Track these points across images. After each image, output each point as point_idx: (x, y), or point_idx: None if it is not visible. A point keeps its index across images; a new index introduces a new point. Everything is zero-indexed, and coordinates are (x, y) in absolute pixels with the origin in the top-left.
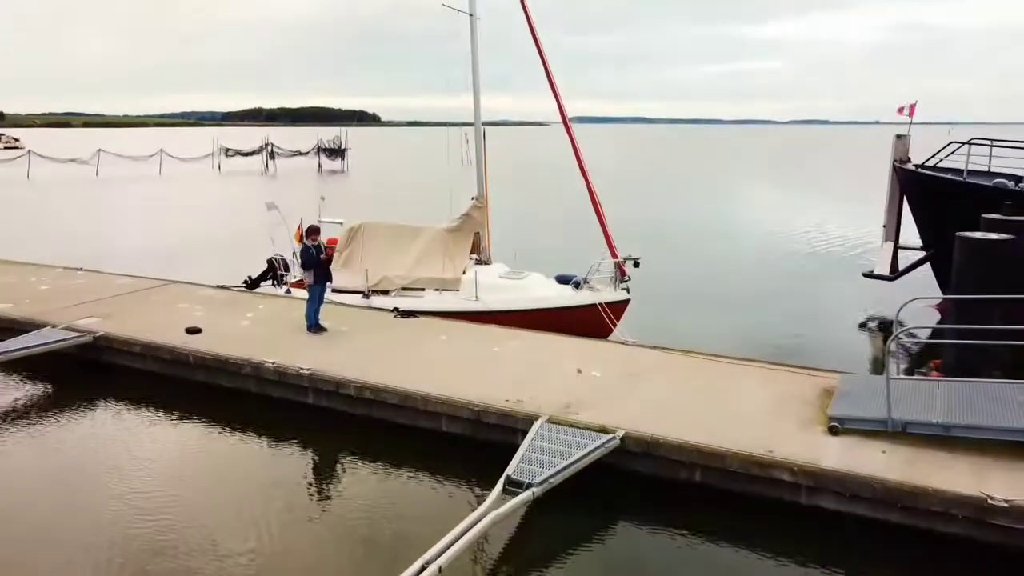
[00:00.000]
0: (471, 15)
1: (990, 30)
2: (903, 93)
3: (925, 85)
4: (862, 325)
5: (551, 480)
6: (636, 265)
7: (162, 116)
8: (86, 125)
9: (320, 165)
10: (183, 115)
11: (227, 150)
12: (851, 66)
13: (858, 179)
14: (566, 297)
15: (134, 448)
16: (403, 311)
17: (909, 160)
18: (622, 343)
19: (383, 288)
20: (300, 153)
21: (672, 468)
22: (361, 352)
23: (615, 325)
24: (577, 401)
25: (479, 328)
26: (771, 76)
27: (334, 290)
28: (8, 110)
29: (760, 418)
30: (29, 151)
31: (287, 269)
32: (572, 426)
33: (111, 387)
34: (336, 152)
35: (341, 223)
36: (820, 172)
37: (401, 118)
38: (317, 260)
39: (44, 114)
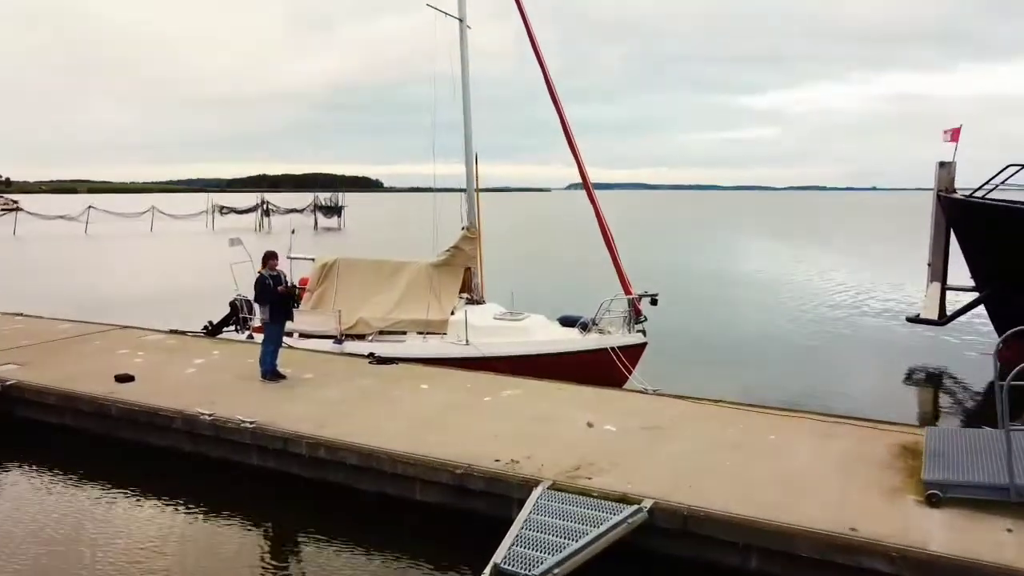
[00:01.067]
0: (460, 20)
1: (980, 99)
2: (897, 159)
3: (919, 152)
4: (911, 375)
5: (555, 571)
6: (654, 303)
7: (167, 183)
8: (91, 191)
9: (316, 223)
10: (188, 182)
11: (221, 208)
12: (846, 134)
13: (871, 236)
14: (572, 341)
15: (41, 521)
16: (379, 357)
17: (955, 190)
18: (641, 391)
19: (359, 331)
20: (296, 210)
21: (719, 551)
22: (323, 403)
23: (630, 372)
24: (589, 462)
25: (468, 375)
26: (768, 144)
27: (302, 335)
28: (18, 178)
29: (827, 484)
30: (17, 208)
31: (251, 312)
32: (583, 494)
33: (20, 445)
34: (333, 210)
35: (312, 259)
36: (830, 230)
37: (403, 184)
38: (273, 292)
39: (51, 181)
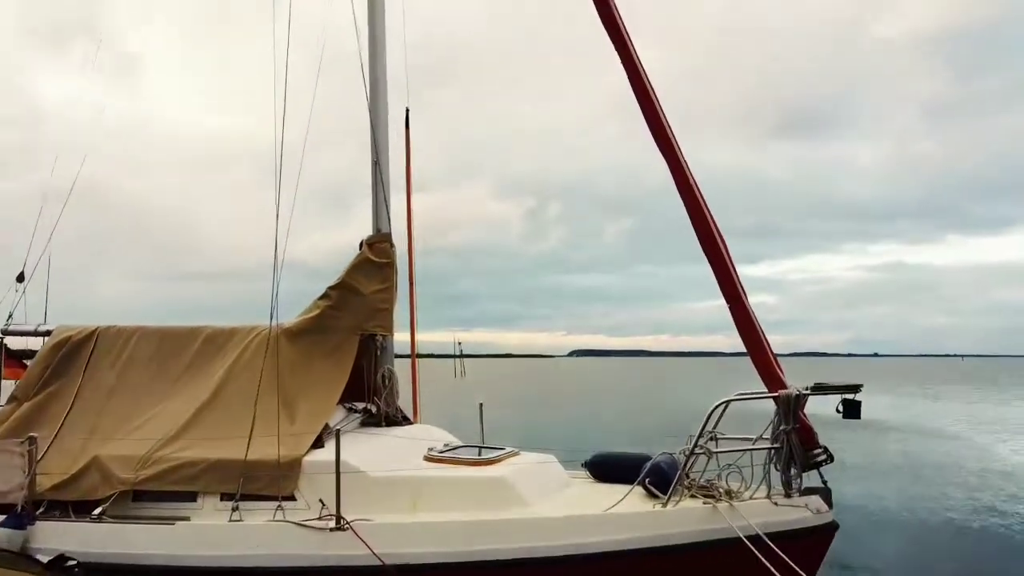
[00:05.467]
0: None
1: (969, 269)
2: (895, 327)
3: (916, 320)
4: None
5: None
6: (850, 410)
7: None
8: None
9: None
10: None
11: None
12: (843, 303)
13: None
14: (635, 519)
15: None
16: (75, 564)
17: None
18: None
19: (83, 494)
20: None
21: None
22: None
23: None
24: None
25: None
26: (767, 311)
27: None
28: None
29: None
30: None
31: None
32: None
33: None
34: None
35: (48, 332)
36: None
37: (403, 351)
38: None
39: None
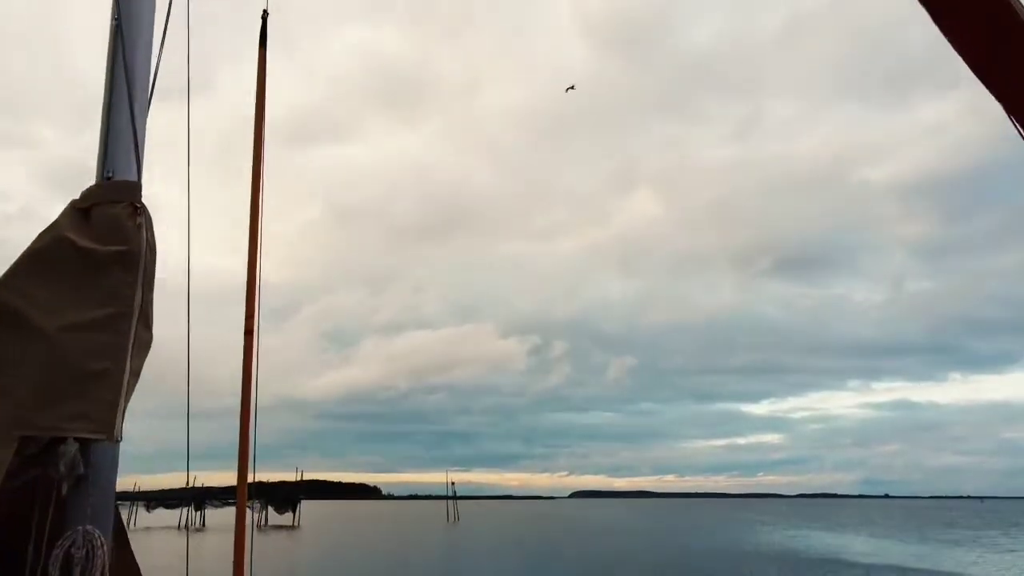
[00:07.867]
0: None
1: (977, 408)
2: (904, 467)
3: (925, 459)
4: None
5: None
6: None
7: (161, 491)
8: None
9: (265, 518)
10: (180, 492)
11: (148, 503)
12: (850, 441)
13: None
14: None
15: None
16: None
17: None
18: None
19: None
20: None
21: None
22: None
23: None
24: None
25: None
26: (772, 450)
27: None
28: None
29: None
30: None
31: None
32: None
33: None
34: (288, 502)
35: None
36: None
37: (402, 492)
38: None
39: None
